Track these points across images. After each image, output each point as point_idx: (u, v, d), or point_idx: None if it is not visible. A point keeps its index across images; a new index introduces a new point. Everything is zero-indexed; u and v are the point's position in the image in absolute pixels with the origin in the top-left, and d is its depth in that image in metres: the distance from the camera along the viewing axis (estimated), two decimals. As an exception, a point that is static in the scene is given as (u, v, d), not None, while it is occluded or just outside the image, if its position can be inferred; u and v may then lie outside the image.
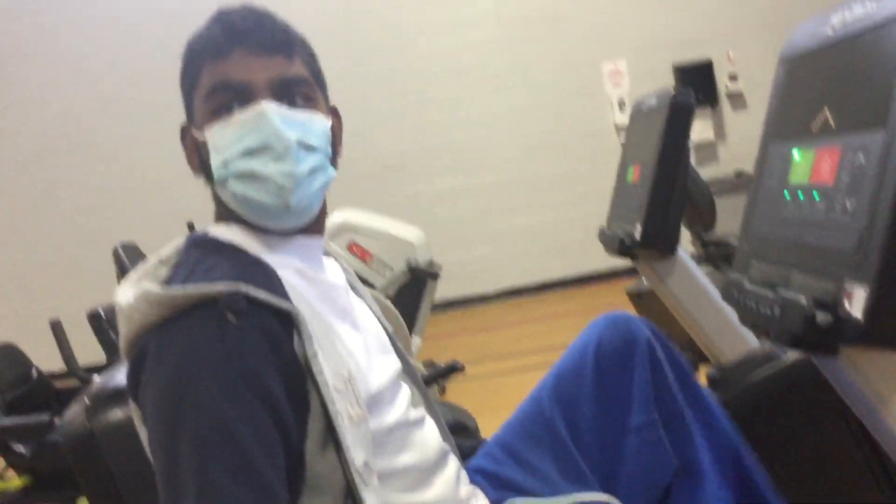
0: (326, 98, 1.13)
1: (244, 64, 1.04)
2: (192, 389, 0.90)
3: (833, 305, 0.72)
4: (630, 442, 1.21)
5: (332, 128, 1.12)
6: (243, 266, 1.01)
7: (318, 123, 1.08)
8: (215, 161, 1.05)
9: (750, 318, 0.85)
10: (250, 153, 1.03)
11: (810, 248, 0.79)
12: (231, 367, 0.91)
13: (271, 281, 1.00)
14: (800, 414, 1.53)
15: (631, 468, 1.20)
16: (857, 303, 0.69)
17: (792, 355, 1.61)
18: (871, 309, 0.68)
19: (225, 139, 1.04)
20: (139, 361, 0.96)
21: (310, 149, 1.06)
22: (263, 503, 0.88)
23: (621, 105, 6.20)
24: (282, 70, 1.05)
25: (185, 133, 1.13)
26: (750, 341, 1.67)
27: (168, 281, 1.02)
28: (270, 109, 1.02)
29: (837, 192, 0.76)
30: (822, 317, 0.72)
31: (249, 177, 1.03)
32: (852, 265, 0.71)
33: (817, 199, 0.80)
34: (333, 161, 1.11)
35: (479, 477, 1.22)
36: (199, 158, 1.10)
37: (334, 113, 1.15)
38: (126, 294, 0.99)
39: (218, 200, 1.11)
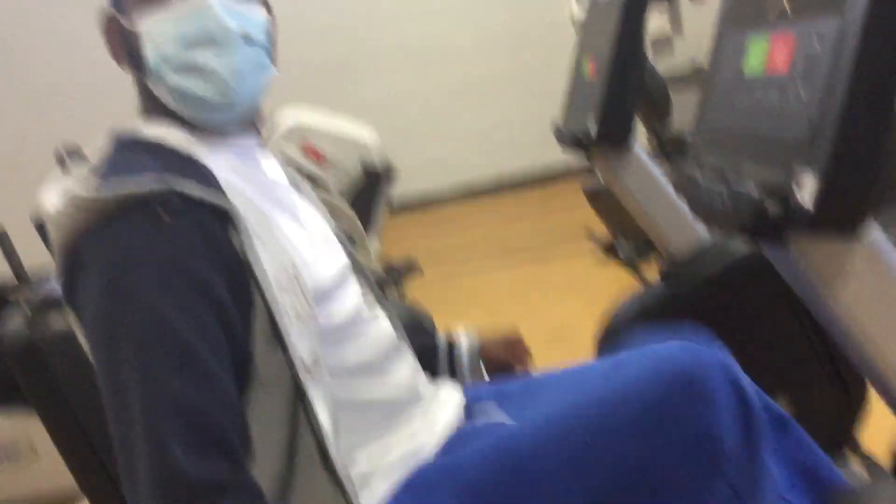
0: None
1: None
2: (130, 290, 0.88)
3: (783, 195, 0.72)
4: None
5: (270, 22, 1.08)
6: (174, 163, 0.98)
7: (259, 16, 1.05)
8: (152, 53, 1.01)
9: (701, 209, 0.85)
10: (192, 45, 0.99)
11: (763, 139, 0.79)
12: (169, 265, 0.89)
13: (204, 176, 0.97)
14: (749, 304, 1.57)
15: None
16: (806, 191, 0.70)
17: (742, 247, 1.64)
18: (821, 197, 0.68)
19: (164, 30, 0.99)
20: (73, 267, 0.93)
21: (252, 42, 1.03)
22: (209, 394, 0.87)
23: (578, -1, 6.08)
24: None
25: (109, 23, 1.07)
26: (703, 236, 1.69)
27: (96, 184, 0.98)
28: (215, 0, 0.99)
29: (791, 81, 0.75)
30: (771, 206, 0.72)
31: (191, 70, 0.99)
32: (803, 154, 0.71)
33: (771, 88, 0.79)
34: (272, 58, 1.08)
35: None
36: (127, 50, 1.05)
37: (268, 9, 1.11)
38: (52, 200, 0.96)
39: (147, 95, 1.07)
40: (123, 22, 1.03)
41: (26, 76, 5.92)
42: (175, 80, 1.00)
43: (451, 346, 1.37)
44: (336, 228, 1.21)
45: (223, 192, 0.96)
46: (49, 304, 1.07)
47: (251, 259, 0.94)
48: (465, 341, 1.38)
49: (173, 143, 1.02)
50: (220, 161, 1.03)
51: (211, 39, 0.99)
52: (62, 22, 5.76)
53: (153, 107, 1.06)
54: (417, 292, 4.03)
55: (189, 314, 0.89)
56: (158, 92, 1.03)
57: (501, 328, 1.45)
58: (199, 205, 0.93)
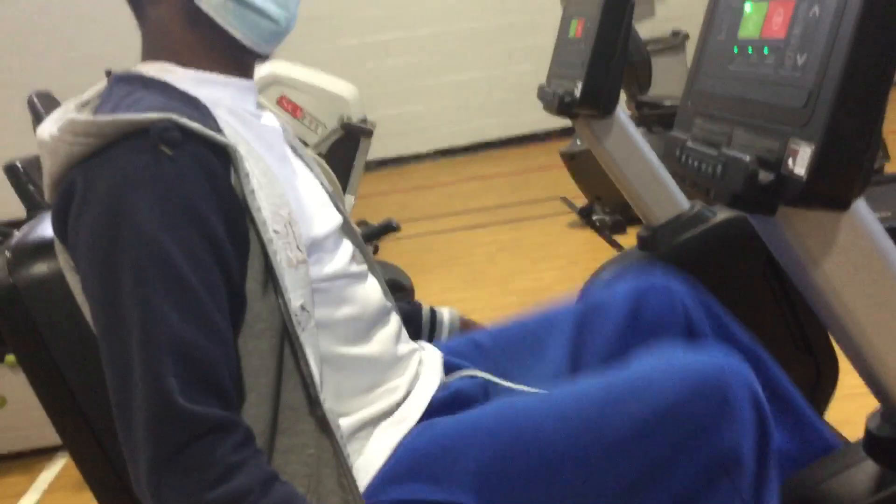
0: None
1: None
2: (129, 220, 0.86)
3: (776, 164, 0.71)
4: None
5: None
6: (175, 99, 0.95)
7: None
8: None
9: (691, 176, 0.84)
10: None
11: (757, 106, 0.78)
12: (168, 198, 0.87)
13: (205, 115, 0.95)
14: (724, 270, 1.58)
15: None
16: (801, 161, 0.69)
17: (721, 215, 1.65)
18: (815, 168, 0.68)
19: None
20: (67, 197, 0.90)
21: None
22: (207, 335, 0.86)
23: (562, -41, 6.01)
24: None
25: None
26: (681, 203, 1.69)
27: (95, 114, 0.96)
28: None
29: (789, 47, 0.74)
30: (763, 175, 0.71)
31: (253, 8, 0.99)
32: (799, 123, 0.70)
33: (767, 53, 0.77)
34: None
35: None
36: None
37: None
38: (50, 128, 0.93)
39: (156, 30, 1.03)
40: None
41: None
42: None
43: (434, 315, 1.38)
44: (331, 191, 1.19)
45: (222, 131, 0.94)
46: (30, 248, 1.04)
47: (249, 200, 0.92)
48: (447, 316, 1.39)
49: (173, 82, 1.00)
50: (220, 102, 1.01)
51: None
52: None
53: (159, 43, 1.03)
54: (392, 251, 4.02)
55: (189, 252, 0.87)
56: (211, 6, 0.99)
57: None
58: (201, 140, 0.90)
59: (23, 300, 1.02)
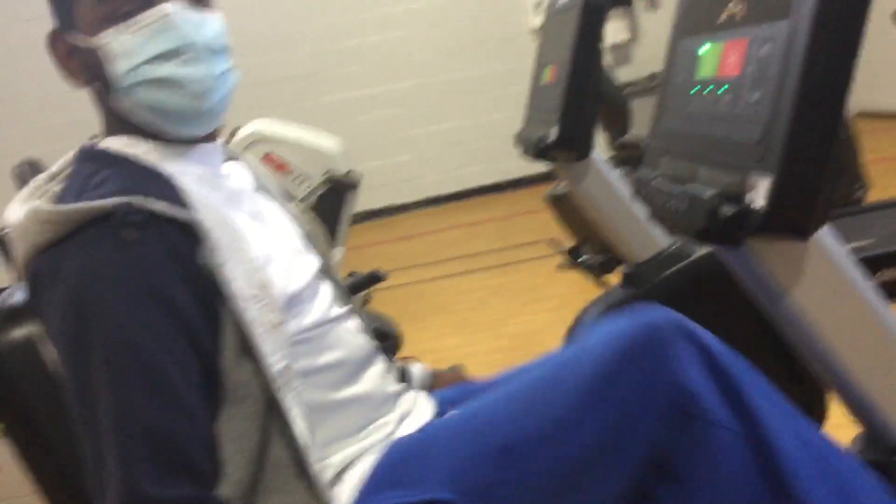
0: None
1: None
2: (96, 309, 0.88)
3: (738, 197, 0.73)
4: None
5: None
6: (139, 177, 0.97)
7: (220, 24, 1.05)
8: (120, 68, 0.99)
9: (658, 213, 0.86)
10: (162, 58, 0.98)
11: (717, 142, 0.80)
12: (134, 283, 0.89)
13: (171, 190, 0.96)
14: (707, 304, 1.59)
15: None
16: (760, 193, 0.71)
17: (701, 250, 1.67)
18: (774, 198, 0.70)
19: (131, 45, 0.98)
20: (35, 282, 0.93)
21: (218, 50, 1.03)
22: (178, 417, 0.87)
23: (537, 6, 6.12)
24: None
25: (56, 39, 1.05)
26: (662, 240, 1.71)
27: (60, 198, 0.98)
28: (178, 11, 0.99)
29: (743, 84, 0.77)
30: (725, 208, 0.73)
31: (163, 82, 0.99)
32: (756, 156, 0.72)
33: (724, 92, 0.80)
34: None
35: None
36: (84, 67, 1.04)
37: None
38: (17, 213, 0.95)
39: (109, 112, 1.06)
40: (79, 40, 1.01)
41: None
42: (145, 93, 0.99)
43: (404, 371, 1.38)
44: (307, 232, 1.21)
45: (188, 206, 0.96)
46: (9, 314, 1.05)
47: (217, 274, 0.93)
48: (418, 368, 1.39)
49: (138, 156, 1.01)
50: (185, 172, 1.02)
51: (181, 51, 0.99)
52: (14, 34, 5.67)
53: (116, 122, 1.05)
54: (382, 300, 4.02)
55: (157, 334, 0.88)
56: (127, 106, 1.02)
57: (449, 369, 1.45)
58: (164, 220, 0.92)
59: (3, 365, 1.02)
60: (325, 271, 1.18)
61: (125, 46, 0.99)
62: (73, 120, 5.47)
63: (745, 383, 0.94)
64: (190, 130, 1.04)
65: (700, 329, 0.97)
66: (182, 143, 1.05)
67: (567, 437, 0.94)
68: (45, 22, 1.04)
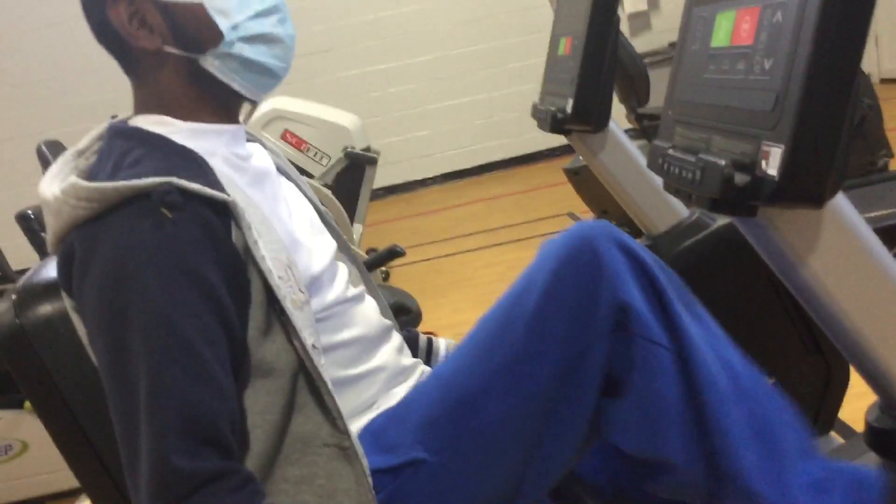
0: None
1: None
2: (134, 287, 0.89)
3: (751, 166, 0.73)
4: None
5: None
6: (174, 156, 0.98)
7: None
8: (224, 24, 1.00)
9: (673, 183, 0.86)
10: (262, 15, 1.03)
11: (731, 111, 0.80)
12: (170, 262, 0.90)
13: (204, 171, 0.98)
14: (726, 275, 1.59)
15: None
16: (773, 162, 0.71)
17: (720, 221, 1.66)
18: (786, 167, 0.69)
19: (233, 2, 1.01)
20: (70, 257, 0.94)
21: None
22: (210, 392, 0.89)
23: (555, -22, 6.06)
24: None
25: (119, 2, 1.00)
26: (681, 211, 1.71)
27: (93, 173, 0.99)
28: None
29: (756, 53, 0.76)
30: (739, 177, 0.73)
31: (266, 38, 1.03)
32: (769, 125, 0.72)
33: (737, 60, 0.80)
34: None
35: None
36: (163, 29, 1.01)
37: None
38: (52, 187, 0.96)
39: (156, 83, 1.05)
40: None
41: (6, 71, 5.86)
42: (249, 50, 1.02)
43: (430, 344, 1.40)
44: (324, 212, 1.22)
45: (221, 186, 0.97)
46: (35, 290, 1.07)
47: (254, 250, 0.94)
48: (443, 345, 1.41)
49: (168, 135, 1.02)
50: (213, 151, 1.03)
51: (275, 9, 1.04)
52: (39, 18, 5.70)
53: (156, 96, 1.05)
54: (402, 275, 4.04)
55: (190, 311, 0.90)
56: (213, 67, 1.03)
57: None
58: (200, 199, 0.93)
59: (30, 341, 1.04)
60: (345, 249, 1.19)
61: (230, 2, 1.01)
62: (88, 101, 5.53)
63: (674, 298, 0.98)
64: (272, 86, 1.08)
65: (630, 238, 1.00)
66: (213, 123, 1.06)
67: (523, 375, 0.98)
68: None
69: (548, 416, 0.98)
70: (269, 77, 1.06)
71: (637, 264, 0.98)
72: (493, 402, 0.98)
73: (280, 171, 1.19)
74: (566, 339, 0.97)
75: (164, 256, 0.90)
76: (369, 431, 1.06)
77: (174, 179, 0.91)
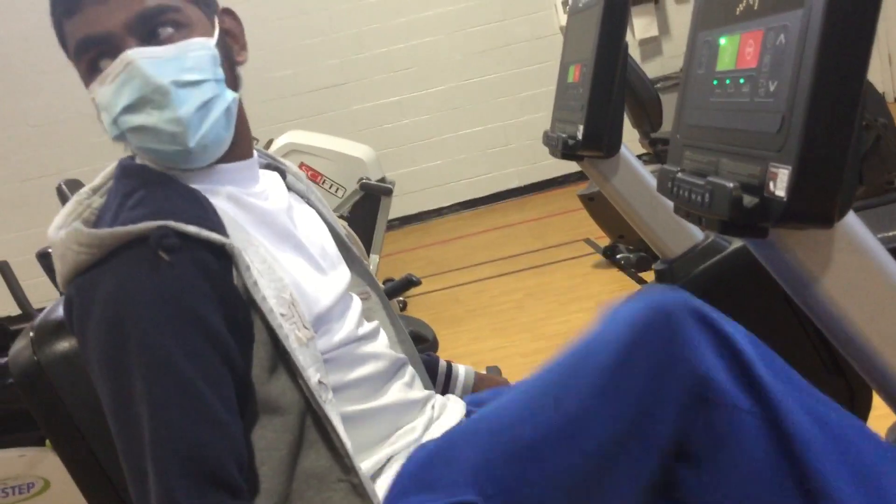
0: (208, 8, 1.06)
1: (95, 11, 0.98)
2: (132, 330, 0.90)
3: (759, 188, 0.73)
4: None
5: (223, 41, 1.06)
6: (175, 197, 0.99)
7: (195, 51, 1.01)
8: (105, 121, 1.02)
9: (683, 207, 0.86)
10: (132, 109, 0.98)
11: (738, 134, 0.80)
12: (168, 304, 0.91)
13: (205, 211, 0.98)
14: (743, 299, 1.57)
15: None
16: (780, 183, 0.71)
17: (735, 244, 1.65)
18: (794, 188, 0.69)
19: (106, 98, 1.00)
20: (73, 301, 0.96)
21: (190, 84, 0.99)
22: (213, 432, 0.90)
23: (565, 4, 6.11)
24: (137, 6, 0.98)
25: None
26: (695, 235, 1.70)
27: (99, 216, 1.01)
28: (135, 57, 0.97)
29: (761, 75, 0.77)
30: (747, 199, 0.73)
31: (142, 130, 0.99)
32: (776, 146, 0.72)
33: (742, 83, 0.80)
34: (231, 79, 1.06)
35: None
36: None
37: (228, 14, 1.10)
38: (58, 232, 0.98)
39: None
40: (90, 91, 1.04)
41: (27, 112, 5.95)
42: (132, 139, 1.01)
43: (450, 369, 1.39)
44: (345, 237, 1.22)
45: (222, 226, 0.98)
46: (52, 327, 1.08)
47: (253, 292, 0.95)
48: (462, 371, 1.40)
49: (172, 174, 1.04)
50: (215, 191, 1.04)
51: (145, 99, 0.97)
52: (59, 59, 5.79)
53: None
54: (419, 305, 4.04)
55: (191, 352, 0.90)
56: (131, 151, 1.05)
57: (492, 376, 1.47)
58: (199, 242, 0.94)
59: (48, 377, 1.05)
60: (366, 275, 1.19)
61: (104, 99, 1.00)
62: (103, 141, 5.59)
63: (757, 363, 0.93)
64: (186, 166, 1.03)
65: (708, 307, 0.96)
66: (218, 162, 1.06)
67: (586, 432, 0.94)
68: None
69: (601, 478, 0.95)
70: (169, 159, 1.02)
71: (715, 334, 0.93)
72: (555, 454, 0.94)
73: (302, 196, 1.19)
74: (636, 405, 0.92)
75: (161, 299, 0.91)
76: (409, 469, 1.04)
77: (170, 223, 0.92)
